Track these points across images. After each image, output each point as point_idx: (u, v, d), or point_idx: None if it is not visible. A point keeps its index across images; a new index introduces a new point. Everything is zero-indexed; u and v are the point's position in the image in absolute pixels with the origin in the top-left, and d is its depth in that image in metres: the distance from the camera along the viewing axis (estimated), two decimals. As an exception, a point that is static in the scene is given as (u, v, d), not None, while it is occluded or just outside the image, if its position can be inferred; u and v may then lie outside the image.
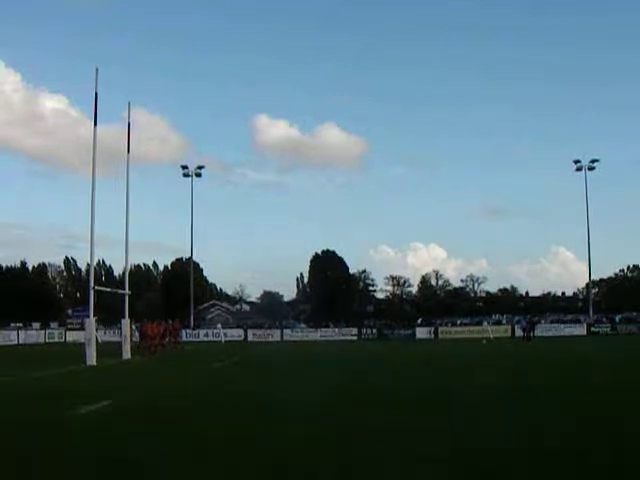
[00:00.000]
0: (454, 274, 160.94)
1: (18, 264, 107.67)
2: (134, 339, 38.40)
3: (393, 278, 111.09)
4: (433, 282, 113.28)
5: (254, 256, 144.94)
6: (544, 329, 62.13)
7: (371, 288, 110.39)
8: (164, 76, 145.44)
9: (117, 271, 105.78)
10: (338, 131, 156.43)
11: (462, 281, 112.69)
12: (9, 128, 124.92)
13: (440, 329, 63.90)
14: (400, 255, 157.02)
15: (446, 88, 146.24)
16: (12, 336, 55.76)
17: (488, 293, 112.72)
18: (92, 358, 27.97)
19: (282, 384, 18.39)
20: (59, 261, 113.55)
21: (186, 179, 69.24)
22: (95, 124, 30.82)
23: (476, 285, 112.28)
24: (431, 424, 10.41)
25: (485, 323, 68.55)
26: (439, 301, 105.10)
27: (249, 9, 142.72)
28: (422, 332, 62.68)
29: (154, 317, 73.86)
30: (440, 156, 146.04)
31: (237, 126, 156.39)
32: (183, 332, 64.23)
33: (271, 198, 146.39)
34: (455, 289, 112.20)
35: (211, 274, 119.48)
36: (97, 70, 30.86)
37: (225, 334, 62.36)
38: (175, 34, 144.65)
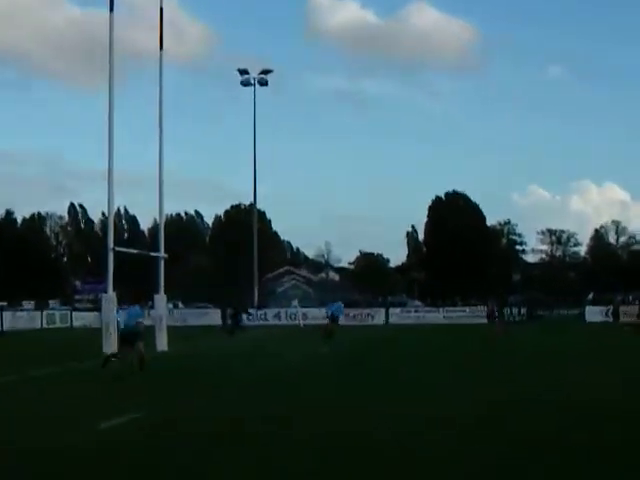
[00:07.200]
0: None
1: (2, 214, 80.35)
2: None
3: (550, 233, 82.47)
4: (611, 239, 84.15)
5: (341, 202, 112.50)
6: None
7: (518, 247, 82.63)
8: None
9: (144, 224, 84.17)
10: (433, 13, 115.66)
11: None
12: None
13: (621, 308, 44.72)
14: (559, 199, 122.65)
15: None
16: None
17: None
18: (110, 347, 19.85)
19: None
20: (61, 210, 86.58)
21: (233, 88, 52.19)
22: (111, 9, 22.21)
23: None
24: None
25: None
26: (620, 267, 75.60)
27: None
28: (594, 312, 46.26)
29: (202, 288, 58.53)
30: (619, 61, 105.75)
31: (282, 8, 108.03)
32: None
33: (347, 114, 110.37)
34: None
35: (283, 229, 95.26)
36: None
37: (304, 315, 46.35)
38: None
